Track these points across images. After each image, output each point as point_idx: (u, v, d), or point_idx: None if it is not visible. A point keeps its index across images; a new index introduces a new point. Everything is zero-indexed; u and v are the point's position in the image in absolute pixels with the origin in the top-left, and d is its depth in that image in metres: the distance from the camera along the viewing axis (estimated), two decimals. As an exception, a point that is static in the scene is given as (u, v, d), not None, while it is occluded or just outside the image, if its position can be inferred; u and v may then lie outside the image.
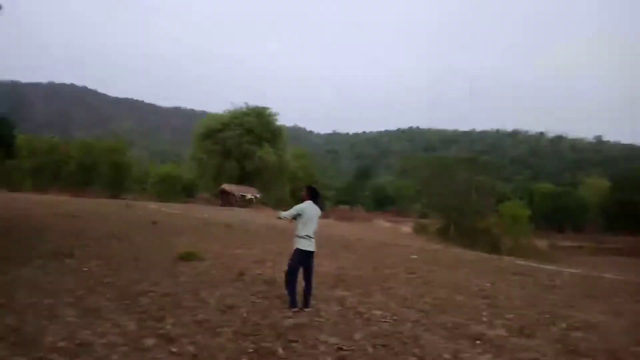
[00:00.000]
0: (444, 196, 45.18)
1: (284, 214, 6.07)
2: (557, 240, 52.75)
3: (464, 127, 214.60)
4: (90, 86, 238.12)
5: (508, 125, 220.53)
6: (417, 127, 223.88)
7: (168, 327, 4.63)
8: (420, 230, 47.15)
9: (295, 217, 5.88)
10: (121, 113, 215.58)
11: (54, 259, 7.88)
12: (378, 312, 5.86)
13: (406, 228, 50.43)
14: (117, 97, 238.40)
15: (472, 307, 6.60)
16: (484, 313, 6.25)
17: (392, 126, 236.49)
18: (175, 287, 6.53)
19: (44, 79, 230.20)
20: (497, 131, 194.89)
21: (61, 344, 3.96)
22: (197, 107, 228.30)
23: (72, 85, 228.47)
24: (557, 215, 67.30)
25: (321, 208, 6.05)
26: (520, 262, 14.18)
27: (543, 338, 5.20)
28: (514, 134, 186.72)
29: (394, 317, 5.67)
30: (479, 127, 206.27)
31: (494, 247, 35.74)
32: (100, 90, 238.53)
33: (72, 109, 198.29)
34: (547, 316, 6.28)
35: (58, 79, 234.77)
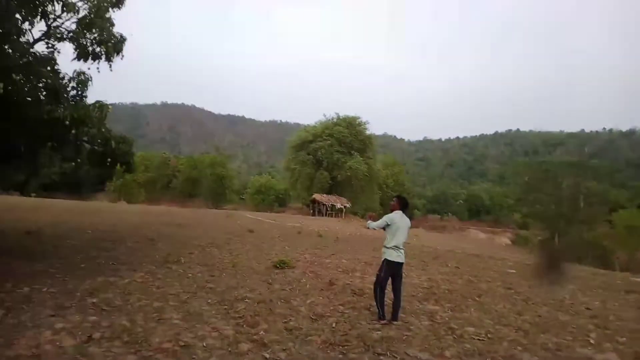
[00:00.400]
0: (547, 205, 41.72)
1: (373, 224, 6.06)
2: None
3: (570, 127, 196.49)
4: (198, 105, 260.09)
5: (623, 124, 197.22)
6: (517, 130, 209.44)
7: (262, 333, 4.88)
8: (520, 241, 44.03)
9: (384, 228, 5.87)
10: (223, 128, 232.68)
11: (162, 265, 8.70)
12: (471, 329, 5.61)
13: (504, 239, 47.47)
14: (220, 114, 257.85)
15: (578, 327, 6.03)
16: (592, 335, 5.68)
17: (489, 130, 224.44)
18: (270, 294, 6.85)
19: (158, 100, 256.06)
20: (610, 131, 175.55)
21: (167, 345, 4.35)
22: (292, 119, 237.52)
23: (182, 105, 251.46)
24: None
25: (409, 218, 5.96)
26: (637, 279, 12.60)
27: (666, 368, 4.60)
28: (630, 134, 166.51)
29: (489, 335, 5.39)
30: (588, 127, 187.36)
31: (605, 262, 32.16)
32: (206, 108, 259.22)
33: (181, 125, 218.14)
34: (673, 343, 5.53)
35: (170, 99, 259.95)
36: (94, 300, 5.72)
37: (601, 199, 41.29)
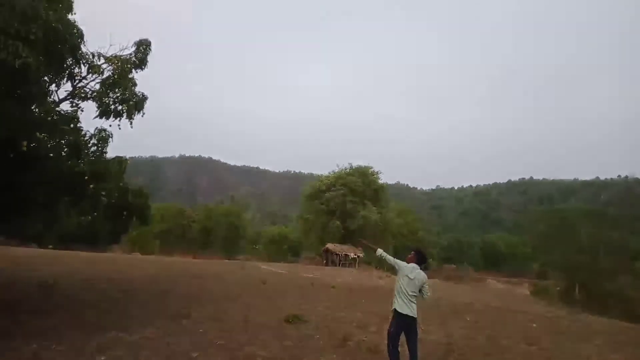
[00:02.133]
0: (566, 254, 40.62)
1: (384, 254, 6.00)
2: None
3: (584, 175, 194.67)
4: (214, 156, 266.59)
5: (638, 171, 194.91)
6: (530, 178, 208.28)
7: (274, 394, 4.71)
8: (539, 292, 42.50)
9: (394, 268, 5.77)
10: (238, 179, 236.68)
11: (174, 319, 8.57)
12: (493, 390, 5.34)
13: (522, 290, 45.90)
14: (235, 165, 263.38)
15: (609, 389, 5.71)
16: (625, 398, 5.35)
17: (502, 178, 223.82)
18: (281, 351, 6.66)
19: (176, 153, 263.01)
20: (626, 178, 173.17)
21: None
22: (305, 169, 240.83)
23: (198, 157, 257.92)
24: None
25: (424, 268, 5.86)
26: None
27: None
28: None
29: (513, 397, 5.12)
30: (603, 175, 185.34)
31: (633, 315, 30.72)
32: (222, 159, 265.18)
33: (197, 177, 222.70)
34: None
35: (187, 152, 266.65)
36: (103, 358, 5.63)
37: (622, 247, 40.09)
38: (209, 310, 9.95)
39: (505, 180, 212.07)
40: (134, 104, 9.73)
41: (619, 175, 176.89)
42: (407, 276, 5.64)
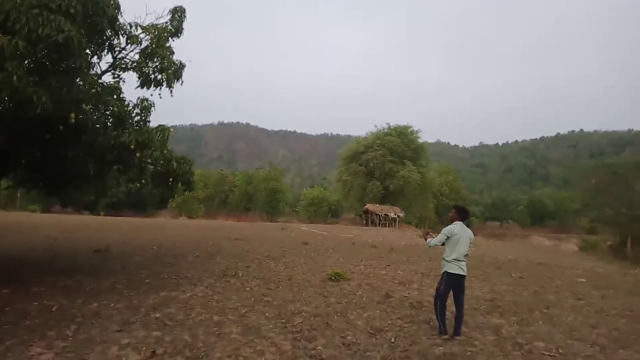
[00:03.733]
0: (618, 208, 38.89)
1: (433, 241, 5.85)
2: None
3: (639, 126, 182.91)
4: (252, 122, 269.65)
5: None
6: (581, 130, 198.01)
7: (319, 348, 4.88)
8: (588, 248, 41.25)
9: (444, 242, 5.70)
10: (276, 143, 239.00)
11: (221, 278, 8.96)
12: (541, 344, 5.31)
13: (570, 246, 44.66)
14: (273, 130, 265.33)
15: (663, 342, 5.54)
16: (679, 351, 5.19)
17: (550, 132, 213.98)
18: (326, 307, 6.85)
19: (215, 120, 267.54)
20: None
21: (226, 360, 4.44)
22: (343, 132, 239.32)
23: (237, 123, 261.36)
24: None
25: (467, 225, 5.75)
26: None
27: None
28: None
29: (560, 350, 5.08)
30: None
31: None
32: (260, 125, 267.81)
33: (237, 143, 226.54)
34: None
35: (226, 119, 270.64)
36: (157, 315, 5.98)
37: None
38: (254, 269, 10.31)
39: (553, 134, 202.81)
40: (173, 73, 9.84)
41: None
42: (460, 237, 5.53)
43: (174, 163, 9.57)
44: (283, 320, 5.96)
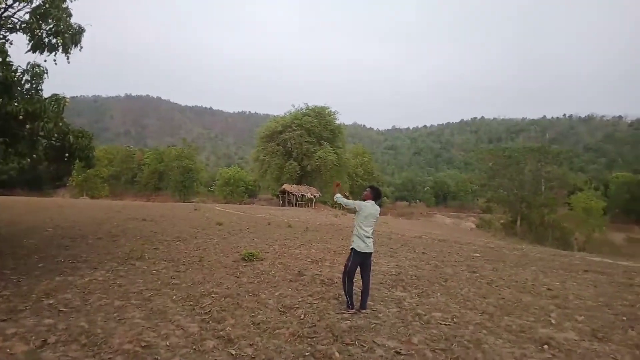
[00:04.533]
0: (510, 189, 43.15)
1: (342, 199, 6.03)
2: (636, 233, 48.54)
3: (533, 115, 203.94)
4: (164, 96, 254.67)
5: (582, 110, 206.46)
6: (482, 117, 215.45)
7: (228, 328, 4.81)
8: (483, 225, 45.40)
9: (353, 211, 5.87)
10: (191, 120, 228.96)
11: (125, 262, 8.46)
12: (438, 314, 5.72)
13: (469, 224, 48.81)
14: (187, 105, 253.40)
15: (540, 308, 6.25)
16: (553, 314, 5.90)
17: (455, 118, 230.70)
18: (237, 287, 6.77)
19: (122, 92, 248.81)
20: (570, 117, 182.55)
21: (127, 346, 4.22)
22: (261, 110, 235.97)
23: (147, 97, 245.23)
24: (636, 206, 61.55)
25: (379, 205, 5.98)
26: (594, 258, 13.22)
27: (619, 342, 4.83)
28: (589, 120, 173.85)
29: (455, 320, 5.51)
30: (550, 114, 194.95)
31: (565, 243, 33.66)
32: (172, 99, 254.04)
33: (147, 118, 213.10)
34: (624, 318, 5.82)
35: (135, 91, 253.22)
36: (51, 302, 5.51)
37: (561, 182, 43.03)
38: (162, 252, 9.88)
39: (458, 120, 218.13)
40: (70, 37, 8.95)
41: (564, 114, 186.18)
42: (369, 214, 5.74)
43: (71, 137, 8.80)
44: (191, 303, 5.78)
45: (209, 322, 5.03)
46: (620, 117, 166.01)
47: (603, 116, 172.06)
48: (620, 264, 11.44)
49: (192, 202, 44.74)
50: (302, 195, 49.09)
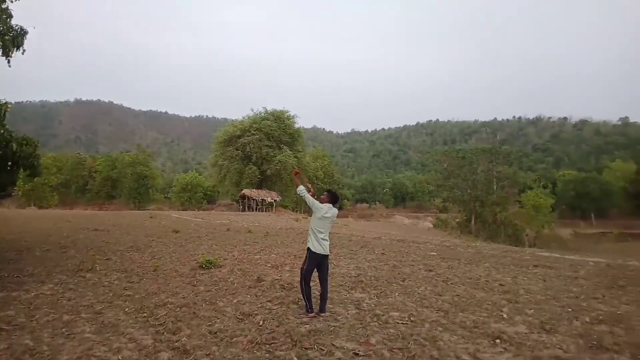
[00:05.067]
0: (464, 189, 44.59)
1: (304, 192, 5.99)
2: (582, 228, 51.45)
3: (485, 117, 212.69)
4: (116, 101, 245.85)
5: (530, 112, 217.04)
6: (437, 120, 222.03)
7: (184, 339, 4.68)
8: (440, 225, 46.67)
9: (311, 209, 5.88)
10: (145, 125, 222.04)
11: (75, 274, 8.08)
12: (395, 314, 5.82)
13: (426, 223, 50.00)
14: (141, 110, 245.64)
15: (492, 303, 6.48)
16: (504, 309, 6.14)
17: (412, 121, 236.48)
18: (194, 296, 6.61)
19: (71, 97, 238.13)
20: (519, 119, 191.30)
21: (76, 362, 4.03)
22: (219, 114, 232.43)
23: (98, 101, 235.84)
24: (582, 203, 65.30)
25: (339, 209, 6.00)
26: (543, 253, 13.87)
27: (565, 333, 5.08)
28: (537, 121, 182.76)
29: (412, 318, 5.62)
30: (501, 116, 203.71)
31: (517, 239, 35.15)
32: (125, 104, 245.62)
33: (98, 124, 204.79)
34: (570, 310, 6.13)
35: (85, 96, 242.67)
36: (-8, 320, 5.18)
37: (511, 181, 44.94)
38: (115, 262, 9.52)
39: (414, 123, 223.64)
40: (11, 39, 8.51)
41: (514, 116, 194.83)
42: (323, 216, 5.77)
43: (14, 144, 8.35)
44: (145, 314, 5.59)
45: (163, 333, 4.88)
46: (565, 118, 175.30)
47: (550, 117, 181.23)
48: (567, 258, 12.05)
49: (148, 209, 43.38)
50: (263, 199, 48.70)
